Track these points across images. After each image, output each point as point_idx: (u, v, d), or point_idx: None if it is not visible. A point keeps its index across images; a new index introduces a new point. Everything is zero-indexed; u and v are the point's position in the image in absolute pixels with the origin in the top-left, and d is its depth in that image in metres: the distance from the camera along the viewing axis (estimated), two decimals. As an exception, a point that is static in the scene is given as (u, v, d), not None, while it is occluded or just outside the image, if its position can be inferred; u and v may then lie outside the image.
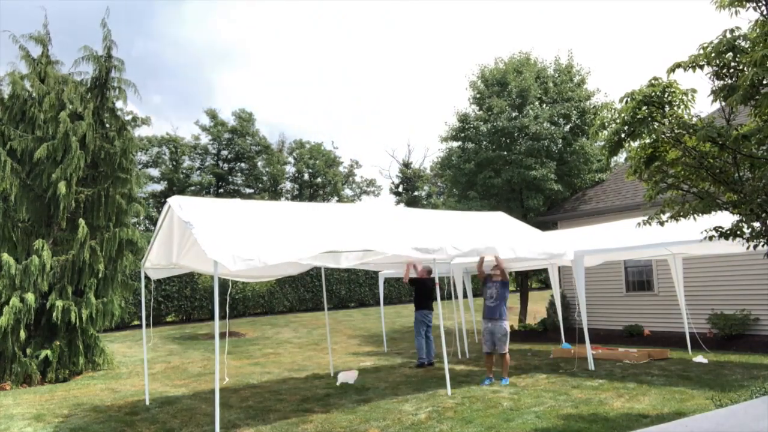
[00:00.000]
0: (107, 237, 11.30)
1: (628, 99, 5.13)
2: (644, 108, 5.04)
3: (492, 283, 8.79)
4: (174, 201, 7.12)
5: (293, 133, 69.29)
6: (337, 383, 9.18)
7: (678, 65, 4.94)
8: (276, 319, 19.79)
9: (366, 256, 9.08)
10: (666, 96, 5.03)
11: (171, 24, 62.98)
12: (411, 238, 7.97)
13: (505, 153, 16.07)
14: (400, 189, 44.55)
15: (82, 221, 10.90)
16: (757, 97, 4.55)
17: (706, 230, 5.52)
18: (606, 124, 5.35)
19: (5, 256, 10.37)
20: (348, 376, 9.43)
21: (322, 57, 66.01)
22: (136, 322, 17.97)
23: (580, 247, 9.74)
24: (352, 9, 64.26)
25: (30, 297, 10.20)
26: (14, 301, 10.06)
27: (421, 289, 11.20)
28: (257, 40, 65.73)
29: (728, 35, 4.69)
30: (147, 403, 8.21)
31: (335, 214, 8.90)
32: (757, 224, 5.10)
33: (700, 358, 9.80)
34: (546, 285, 25.79)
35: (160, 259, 8.33)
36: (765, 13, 4.68)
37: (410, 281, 11.25)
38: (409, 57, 66.54)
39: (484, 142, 16.64)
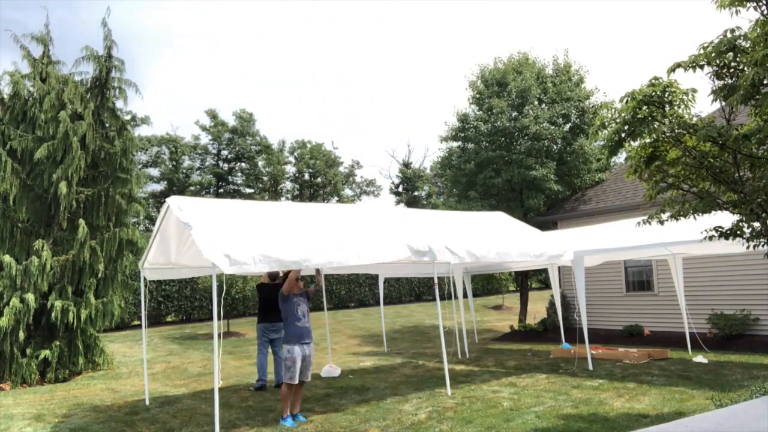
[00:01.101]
0: (107, 237, 11.29)
1: (629, 98, 5.13)
2: (644, 108, 5.03)
3: (298, 298, 6.93)
4: (173, 201, 7.12)
5: (287, 134, 69.29)
6: (321, 374, 9.50)
7: (678, 65, 4.94)
8: (276, 319, 19.76)
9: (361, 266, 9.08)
10: (666, 96, 5.03)
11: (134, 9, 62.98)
12: (406, 242, 7.93)
13: (505, 153, 16.07)
14: (400, 189, 44.56)
15: (82, 221, 10.89)
16: (758, 96, 4.54)
17: (706, 230, 5.52)
18: (606, 123, 5.35)
19: (6, 257, 10.37)
20: (331, 371, 9.82)
21: (316, 57, 66.08)
22: (136, 322, 17.96)
23: (580, 247, 9.73)
24: (346, 9, 64.30)
25: (30, 297, 10.19)
26: (14, 301, 10.06)
27: (262, 298, 9.40)
28: (250, 39, 65.78)
29: (728, 35, 4.68)
30: (147, 403, 8.21)
31: (334, 215, 8.90)
32: (757, 224, 5.10)
33: (700, 358, 9.80)
34: (546, 285, 25.79)
35: (158, 258, 8.33)
36: (765, 12, 4.68)
37: (256, 286, 9.72)
38: (405, 57, 66.62)
39: (484, 142, 16.65)
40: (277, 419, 6.84)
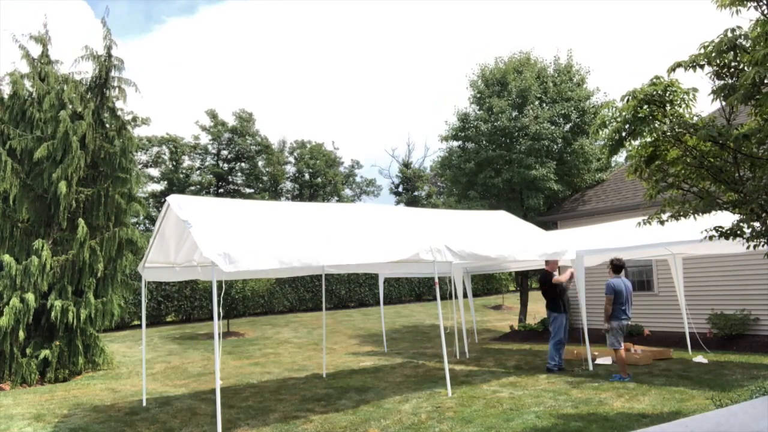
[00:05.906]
0: (107, 237, 11.29)
1: (629, 97, 5.12)
2: (645, 107, 5.03)
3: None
4: (173, 199, 7.12)
5: (288, 134, 69.23)
6: None
7: (678, 65, 4.94)
8: (276, 319, 19.78)
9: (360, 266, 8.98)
10: (667, 95, 5.02)
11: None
12: (408, 241, 7.92)
13: (506, 153, 16.06)
14: (400, 189, 44.55)
15: (82, 221, 10.89)
16: (758, 96, 4.54)
17: (706, 230, 5.51)
18: (607, 122, 5.34)
19: (7, 257, 10.37)
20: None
21: (315, 57, 66.05)
22: (136, 322, 17.96)
23: (580, 247, 9.73)
24: (346, 8, 64.29)
25: (30, 297, 10.19)
26: (14, 301, 10.05)
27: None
28: (250, 39, 65.75)
29: (729, 34, 4.67)
30: (144, 403, 8.20)
31: (335, 214, 8.89)
32: (757, 224, 5.09)
33: (700, 358, 9.80)
34: (546, 285, 25.73)
35: (158, 257, 8.32)
36: (765, 12, 4.67)
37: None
38: (405, 57, 66.59)
39: (485, 142, 16.64)
40: (277, 419, 6.85)
